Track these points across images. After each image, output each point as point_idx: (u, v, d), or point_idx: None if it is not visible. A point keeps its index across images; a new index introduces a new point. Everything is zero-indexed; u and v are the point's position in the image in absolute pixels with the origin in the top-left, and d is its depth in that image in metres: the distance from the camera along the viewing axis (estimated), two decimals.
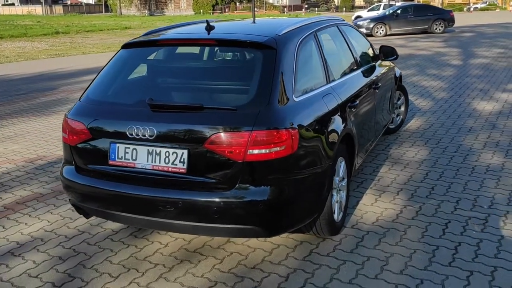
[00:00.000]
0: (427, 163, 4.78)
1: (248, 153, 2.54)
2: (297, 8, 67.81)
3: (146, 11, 76.05)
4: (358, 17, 31.73)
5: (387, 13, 23.81)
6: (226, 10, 71.96)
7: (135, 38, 3.38)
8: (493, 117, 6.53)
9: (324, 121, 3.06)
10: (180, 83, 3.21)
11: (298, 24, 3.37)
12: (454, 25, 23.67)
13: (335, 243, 3.24)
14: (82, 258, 3.16)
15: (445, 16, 23.02)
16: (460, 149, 5.16)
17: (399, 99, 5.85)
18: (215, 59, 3.53)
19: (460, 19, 30.76)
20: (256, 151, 2.54)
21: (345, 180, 3.47)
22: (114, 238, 3.43)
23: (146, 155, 2.73)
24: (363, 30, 22.75)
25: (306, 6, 70.21)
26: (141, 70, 3.30)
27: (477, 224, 3.43)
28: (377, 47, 4.96)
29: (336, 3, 71.21)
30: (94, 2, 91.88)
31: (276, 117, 2.63)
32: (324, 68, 3.44)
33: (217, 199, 2.60)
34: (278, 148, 2.57)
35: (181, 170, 2.66)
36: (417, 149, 5.22)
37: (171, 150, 2.67)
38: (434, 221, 3.51)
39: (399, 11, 22.96)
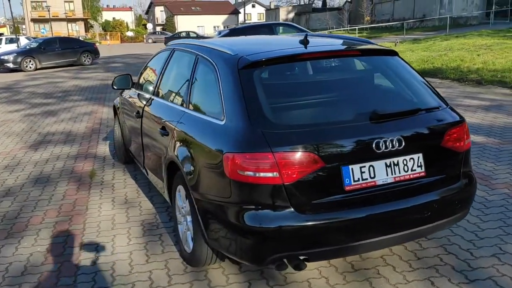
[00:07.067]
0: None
1: (466, 143, 2.83)
2: None
3: None
4: None
5: (30, 46, 22.10)
6: None
7: (256, 55, 2.85)
8: None
9: None
10: (358, 93, 3.07)
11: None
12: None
13: None
14: None
15: (90, 48, 23.34)
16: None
17: None
18: (348, 69, 3.51)
19: None
20: (468, 141, 2.87)
21: None
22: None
23: (384, 169, 2.57)
24: (10, 65, 20.33)
25: None
26: (293, 86, 3.11)
27: None
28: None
29: None
30: None
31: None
32: None
33: (459, 191, 2.75)
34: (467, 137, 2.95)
35: (421, 174, 2.66)
36: None
37: (408, 157, 2.62)
38: None
39: (44, 44, 21.64)
